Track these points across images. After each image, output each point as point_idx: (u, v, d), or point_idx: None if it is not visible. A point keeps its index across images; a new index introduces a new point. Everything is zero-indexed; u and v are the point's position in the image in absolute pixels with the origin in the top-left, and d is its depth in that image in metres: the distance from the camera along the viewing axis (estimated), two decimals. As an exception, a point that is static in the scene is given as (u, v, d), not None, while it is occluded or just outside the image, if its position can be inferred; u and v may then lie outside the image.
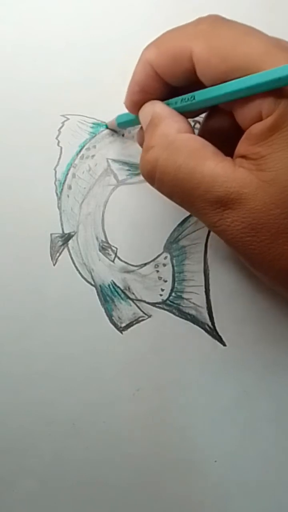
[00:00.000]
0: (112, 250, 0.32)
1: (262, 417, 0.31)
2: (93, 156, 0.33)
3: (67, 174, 0.32)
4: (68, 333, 0.31)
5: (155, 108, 0.26)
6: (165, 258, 0.32)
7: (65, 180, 0.32)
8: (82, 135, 0.32)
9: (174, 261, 0.32)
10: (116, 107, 0.32)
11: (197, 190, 0.23)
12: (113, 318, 0.31)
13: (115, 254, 0.32)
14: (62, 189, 0.32)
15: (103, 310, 0.31)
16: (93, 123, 0.32)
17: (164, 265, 0.32)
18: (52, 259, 0.32)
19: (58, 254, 0.32)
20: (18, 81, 0.33)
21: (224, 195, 0.23)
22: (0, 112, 0.32)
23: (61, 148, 0.32)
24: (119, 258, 0.32)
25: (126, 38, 0.33)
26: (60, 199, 0.32)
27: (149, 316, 0.31)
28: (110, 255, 0.32)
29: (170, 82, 0.26)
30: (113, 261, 0.32)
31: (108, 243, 0.32)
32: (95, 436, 0.31)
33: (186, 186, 0.24)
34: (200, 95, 0.25)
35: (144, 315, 0.31)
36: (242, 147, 0.24)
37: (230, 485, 0.31)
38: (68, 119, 0.32)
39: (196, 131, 0.31)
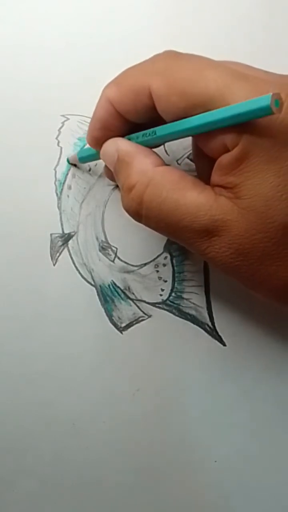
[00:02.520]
0: (112, 250, 0.32)
1: (262, 417, 0.31)
2: (93, 156, 0.32)
3: (67, 174, 0.32)
4: (68, 333, 0.31)
5: (120, 146, 0.27)
6: (165, 258, 0.32)
7: (65, 180, 0.32)
8: (82, 135, 0.32)
9: (174, 261, 0.32)
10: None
11: (183, 221, 0.24)
12: (113, 318, 0.31)
13: (115, 254, 0.32)
14: (62, 189, 0.32)
15: (103, 310, 0.31)
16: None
17: (164, 265, 0.32)
18: (52, 259, 0.32)
19: (58, 254, 0.32)
20: (18, 81, 0.33)
21: (210, 223, 0.23)
22: (0, 112, 0.32)
23: (61, 148, 0.32)
24: (119, 258, 0.32)
25: (126, 38, 0.33)
26: (60, 199, 0.32)
27: (149, 316, 0.32)
28: (110, 255, 0.32)
29: (131, 119, 0.27)
30: (113, 261, 0.32)
31: (108, 243, 0.32)
32: (95, 436, 0.31)
33: (172, 219, 0.24)
34: (161, 131, 0.25)
35: (144, 315, 0.31)
36: (215, 177, 0.24)
37: (230, 485, 0.31)
38: (68, 119, 0.32)
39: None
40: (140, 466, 0.31)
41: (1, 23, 0.33)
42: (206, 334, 0.31)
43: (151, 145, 0.27)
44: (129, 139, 0.27)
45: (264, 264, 0.23)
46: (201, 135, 0.24)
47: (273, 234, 0.23)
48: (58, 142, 0.32)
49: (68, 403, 0.31)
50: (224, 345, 0.31)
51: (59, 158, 0.32)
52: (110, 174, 0.29)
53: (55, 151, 0.32)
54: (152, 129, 0.26)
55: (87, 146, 0.30)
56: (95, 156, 0.29)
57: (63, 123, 0.32)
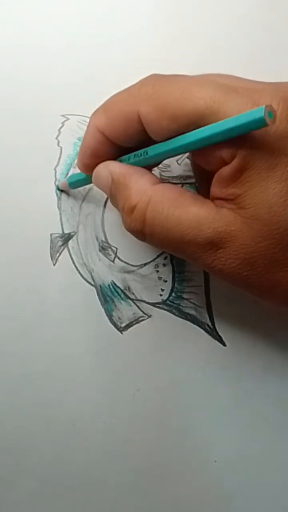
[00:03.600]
0: (112, 250, 0.32)
1: (262, 417, 0.31)
2: (93, 156, 0.32)
3: (67, 174, 0.32)
4: (68, 333, 0.31)
5: (113, 168, 0.27)
6: (165, 258, 0.32)
7: (65, 180, 0.32)
8: (82, 135, 0.32)
9: (174, 261, 0.32)
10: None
11: (187, 236, 0.24)
12: (113, 318, 0.31)
13: (115, 254, 0.32)
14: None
15: (103, 310, 0.31)
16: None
17: (164, 265, 0.32)
18: (52, 259, 0.32)
19: (58, 254, 0.32)
20: (18, 81, 0.33)
21: (214, 235, 0.23)
22: (0, 112, 0.32)
23: (61, 148, 0.32)
24: (119, 258, 0.32)
25: (126, 38, 0.33)
26: (60, 199, 0.32)
27: (149, 316, 0.32)
28: (110, 255, 0.32)
29: (122, 144, 0.27)
30: (113, 261, 0.32)
31: (108, 243, 0.32)
32: (95, 436, 0.31)
33: (176, 235, 0.24)
34: (153, 150, 0.25)
35: (144, 315, 0.32)
36: (215, 190, 0.24)
37: (230, 485, 0.31)
38: (68, 119, 0.32)
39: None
40: (140, 466, 0.31)
41: (1, 23, 0.33)
42: (206, 334, 0.31)
43: (143, 165, 0.27)
44: (121, 161, 0.27)
45: (272, 271, 0.23)
46: (197, 152, 0.24)
47: (279, 240, 0.23)
48: (58, 142, 0.32)
49: (68, 403, 0.31)
50: (224, 345, 0.31)
51: (59, 158, 0.32)
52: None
53: (55, 151, 0.32)
54: (143, 149, 0.26)
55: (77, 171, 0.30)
56: (86, 181, 0.29)
57: (63, 123, 0.32)
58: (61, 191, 0.32)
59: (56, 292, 0.31)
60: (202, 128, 0.23)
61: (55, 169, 0.32)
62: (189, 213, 0.24)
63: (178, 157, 0.32)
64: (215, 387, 0.31)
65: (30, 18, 0.33)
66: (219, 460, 0.31)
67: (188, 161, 0.32)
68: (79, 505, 0.30)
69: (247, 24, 0.34)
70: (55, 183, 0.32)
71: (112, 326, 0.31)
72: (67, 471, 0.30)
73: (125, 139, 0.26)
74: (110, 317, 0.31)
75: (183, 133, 0.24)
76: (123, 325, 0.31)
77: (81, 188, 0.32)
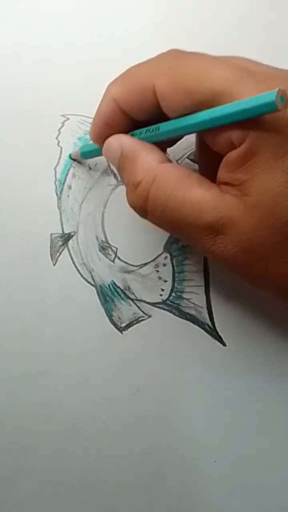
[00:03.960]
0: (112, 250, 0.32)
1: (262, 417, 0.31)
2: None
3: (67, 174, 0.32)
4: (68, 333, 0.31)
5: (124, 142, 0.26)
6: (165, 258, 0.32)
7: (65, 180, 0.32)
8: (82, 135, 0.32)
9: (174, 261, 0.32)
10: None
11: (188, 218, 0.24)
12: (113, 318, 0.31)
13: (115, 254, 0.32)
14: (62, 189, 0.32)
15: (103, 310, 0.31)
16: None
17: (164, 265, 0.32)
18: (52, 259, 0.32)
19: (58, 254, 0.32)
20: (18, 81, 0.33)
21: (215, 220, 0.23)
22: (0, 112, 0.32)
23: (61, 148, 0.32)
24: (119, 258, 0.32)
25: (126, 38, 0.33)
26: (60, 199, 0.32)
27: (149, 316, 0.31)
28: (110, 255, 0.32)
29: (135, 117, 0.27)
30: (113, 261, 0.32)
31: (108, 243, 0.32)
32: (95, 436, 0.31)
33: (177, 216, 0.24)
34: (165, 126, 0.25)
35: (144, 315, 0.31)
36: (222, 174, 0.24)
37: (230, 485, 0.31)
38: (68, 119, 0.32)
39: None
40: (140, 466, 0.31)
41: (1, 23, 0.33)
42: (206, 334, 0.31)
43: (154, 142, 0.26)
44: (133, 135, 0.27)
45: (270, 261, 0.23)
46: (207, 132, 0.24)
47: (280, 231, 0.23)
48: (58, 142, 0.32)
49: (68, 403, 0.31)
50: (224, 345, 0.31)
51: (59, 158, 0.32)
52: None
53: (55, 151, 0.32)
54: (155, 125, 0.26)
55: (90, 142, 0.29)
56: (98, 152, 0.29)
57: (63, 123, 0.32)
58: (74, 160, 0.32)
59: (56, 292, 0.31)
60: (214, 108, 0.23)
61: (55, 169, 0.32)
62: (193, 195, 0.24)
63: (178, 156, 0.32)
64: (215, 387, 0.31)
65: (30, 18, 0.33)
66: (219, 460, 0.31)
67: (188, 161, 0.32)
68: (79, 505, 0.30)
69: (247, 24, 0.34)
70: (55, 183, 0.32)
71: (112, 326, 0.31)
72: (67, 471, 0.30)
73: (139, 111, 0.26)
74: (110, 317, 0.31)
75: (195, 111, 0.24)
76: (123, 325, 0.31)
77: (81, 188, 0.32)
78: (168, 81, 0.24)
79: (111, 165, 0.33)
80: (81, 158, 0.32)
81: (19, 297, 0.31)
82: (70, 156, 0.32)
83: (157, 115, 0.26)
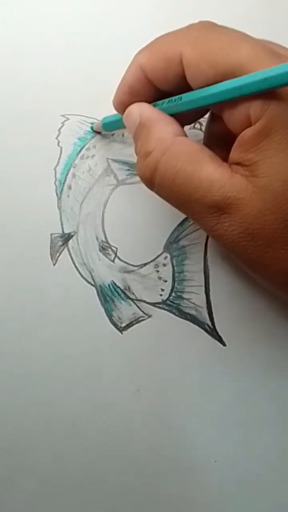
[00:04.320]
0: (112, 250, 0.32)
1: (262, 417, 0.31)
2: (93, 156, 0.33)
3: (67, 174, 0.32)
4: (68, 333, 0.31)
5: (144, 111, 0.26)
6: (165, 258, 0.32)
7: (65, 180, 0.32)
8: (82, 135, 0.32)
9: (174, 261, 0.32)
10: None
11: (195, 195, 0.24)
12: (113, 318, 0.31)
13: (115, 254, 0.32)
14: (62, 189, 0.32)
15: (103, 310, 0.31)
16: (93, 123, 0.32)
17: (164, 265, 0.32)
18: (52, 259, 0.32)
19: (58, 254, 0.32)
20: (18, 81, 0.33)
21: (221, 200, 0.23)
22: (0, 112, 0.32)
23: (61, 148, 0.32)
24: (119, 258, 0.32)
25: (126, 38, 0.33)
26: (60, 199, 0.32)
27: (149, 316, 0.31)
28: (110, 255, 0.32)
29: (160, 86, 0.26)
30: (113, 261, 0.32)
31: (108, 243, 0.32)
32: (95, 436, 0.31)
33: (184, 191, 0.24)
34: (187, 96, 0.25)
35: (144, 315, 0.31)
36: (235, 153, 0.24)
37: (230, 485, 0.31)
38: (68, 119, 0.32)
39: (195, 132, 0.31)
40: (140, 466, 0.31)
41: (1, 23, 0.33)
42: (206, 334, 0.31)
43: (176, 113, 0.26)
44: (155, 105, 0.27)
45: (273, 247, 0.23)
46: (226, 106, 0.24)
47: (286, 216, 0.22)
48: (58, 142, 0.32)
49: (68, 403, 0.31)
50: (224, 345, 0.31)
51: (59, 158, 0.32)
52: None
53: (55, 151, 0.32)
54: (178, 96, 0.26)
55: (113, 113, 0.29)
56: (119, 124, 0.29)
57: (63, 123, 0.32)
58: (96, 132, 0.32)
59: (56, 292, 0.31)
60: (236, 78, 0.23)
61: (55, 169, 0.32)
62: (203, 172, 0.24)
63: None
64: (215, 387, 0.31)
65: (30, 18, 0.33)
66: (219, 460, 0.31)
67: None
68: (79, 505, 0.30)
69: (247, 24, 0.34)
70: (55, 183, 0.32)
71: (112, 326, 0.31)
72: (67, 471, 0.30)
73: (164, 81, 0.26)
74: (110, 317, 0.31)
75: (218, 82, 0.24)
76: (123, 325, 0.31)
77: (81, 188, 0.32)
78: (195, 50, 0.24)
79: (111, 164, 0.33)
80: (103, 129, 0.31)
81: (19, 297, 0.31)
82: (92, 128, 0.32)
83: (181, 87, 0.26)
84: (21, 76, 0.33)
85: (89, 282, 0.32)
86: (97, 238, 0.32)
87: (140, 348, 0.31)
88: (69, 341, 0.31)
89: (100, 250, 0.32)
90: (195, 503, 0.31)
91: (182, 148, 0.24)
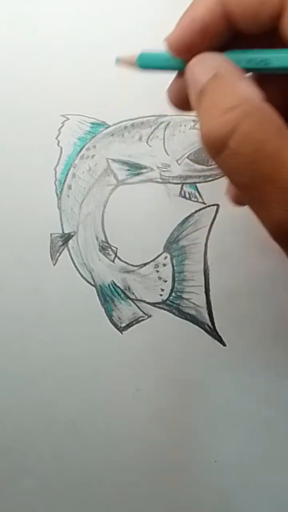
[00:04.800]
0: (112, 250, 0.32)
1: (262, 417, 0.31)
2: (93, 156, 0.33)
3: (67, 174, 0.32)
4: (68, 333, 0.31)
5: (223, 64, 0.21)
6: (165, 258, 0.32)
7: (65, 180, 0.32)
8: (82, 135, 0.32)
9: (174, 261, 0.32)
10: (116, 107, 0.33)
11: (277, 174, 0.19)
12: (113, 318, 0.31)
13: (115, 254, 0.32)
14: (62, 189, 0.32)
15: (103, 310, 0.31)
16: (93, 123, 0.32)
17: (164, 265, 0.32)
18: (52, 259, 0.32)
19: (58, 254, 0.32)
20: (18, 81, 0.33)
21: None
22: (0, 112, 0.32)
23: (61, 148, 0.32)
24: (119, 258, 0.32)
25: (126, 38, 0.33)
26: (60, 199, 0.32)
27: (149, 316, 0.31)
28: (110, 255, 0.32)
29: (242, 29, 0.21)
30: (113, 261, 0.32)
31: (108, 243, 0.32)
32: (95, 436, 0.31)
33: (264, 166, 0.19)
34: (279, 61, 0.20)
35: (144, 315, 0.31)
36: None
37: (230, 485, 0.31)
38: (68, 119, 0.32)
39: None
40: (140, 466, 0.31)
41: (1, 23, 0.33)
42: (206, 334, 0.31)
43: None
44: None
45: None
46: None
47: None
48: (58, 142, 0.32)
49: (68, 403, 0.31)
50: (224, 345, 0.31)
51: (59, 158, 0.32)
52: (176, 96, 0.23)
53: (55, 151, 0.32)
54: (263, 57, 0.20)
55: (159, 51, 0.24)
56: (166, 65, 0.23)
57: (63, 123, 0.32)
58: (121, 64, 0.25)
59: (56, 292, 0.31)
60: None
61: (55, 169, 0.32)
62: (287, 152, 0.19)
63: (178, 156, 0.32)
64: (215, 387, 0.31)
65: (30, 18, 0.33)
66: (219, 460, 0.31)
67: (188, 161, 0.32)
68: (79, 505, 0.30)
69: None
70: (55, 183, 0.32)
71: (112, 326, 0.31)
72: (67, 471, 0.30)
73: (251, 22, 0.21)
74: (110, 317, 0.31)
75: None
76: (123, 325, 0.31)
77: (81, 188, 0.32)
78: None
79: (111, 164, 0.33)
80: (137, 67, 0.24)
81: (19, 297, 0.31)
82: (117, 61, 0.25)
83: (271, 34, 0.21)
84: (21, 76, 0.33)
85: (89, 282, 0.32)
86: (97, 238, 0.32)
87: (140, 348, 0.31)
88: (69, 341, 0.31)
89: (100, 250, 0.32)
90: (195, 503, 0.31)
91: (272, 117, 0.20)
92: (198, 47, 0.22)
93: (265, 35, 0.20)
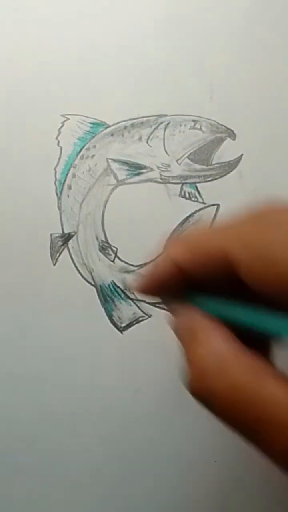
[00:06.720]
0: (112, 250, 0.32)
1: (262, 417, 0.31)
2: (93, 156, 0.33)
3: (67, 174, 0.32)
4: (68, 333, 0.31)
5: (197, 320, 0.23)
6: (165, 258, 0.32)
7: (65, 180, 0.32)
8: (82, 135, 0.32)
9: (174, 261, 0.32)
10: (116, 107, 0.33)
11: (261, 417, 0.21)
12: (113, 318, 0.31)
13: (115, 254, 0.32)
14: (62, 189, 0.32)
15: (103, 310, 0.31)
16: (93, 123, 0.32)
17: (164, 265, 0.32)
18: (52, 259, 0.32)
19: (58, 254, 0.32)
20: (18, 81, 0.33)
21: None
22: (0, 112, 0.32)
23: (61, 148, 0.32)
24: (119, 258, 0.32)
25: (126, 38, 0.33)
26: (60, 199, 0.32)
27: (149, 316, 0.31)
28: (110, 255, 0.32)
29: (196, 281, 0.23)
30: (113, 261, 0.32)
31: (108, 243, 0.32)
32: (95, 436, 0.31)
33: (246, 412, 0.21)
34: (273, 324, 0.21)
35: (144, 315, 0.31)
36: None
37: (230, 485, 0.31)
38: (68, 119, 0.32)
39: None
40: (140, 466, 0.31)
41: (1, 23, 0.33)
42: (206, 334, 0.31)
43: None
44: (201, 302, 0.24)
45: None
46: None
47: None
48: (58, 142, 0.32)
49: (68, 403, 0.31)
50: (224, 345, 0.31)
51: (59, 158, 0.32)
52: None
53: (55, 151, 0.32)
54: (235, 309, 0.22)
55: None
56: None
57: (63, 123, 0.32)
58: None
59: (56, 292, 0.31)
60: None
61: (55, 169, 0.32)
62: (266, 390, 0.20)
63: (178, 156, 0.32)
64: (215, 387, 0.31)
65: (30, 18, 0.33)
66: (219, 460, 0.31)
67: (188, 161, 0.32)
68: (79, 505, 0.30)
69: (247, 24, 0.34)
70: (55, 183, 0.32)
71: (112, 326, 0.31)
72: (67, 471, 0.30)
73: (203, 277, 0.23)
74: (110, 317, 0.31)
75: (283, 286, 0.20)
76: (123, 325, 0.31)
77: (81, 188, 0.32)
78: (247, 248, 0.21)
79: (111, 164, 0.33)
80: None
81: (19, 297, 0.31)
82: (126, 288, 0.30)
83: (225, 281, 0.22)
84: (21, 76, 0.33)
85: (89, 282, 0.32)
86: (97, 238, 0.32)
87: (140, 348, 0.31)
88: (69, 341, 0.31)
89: (100, 250, 0.32)
90: (195, 503, 0.31)
91: (242, 368, 0.21)
92: (161, 292, 0.24)
93: (230, 280, 0.22)
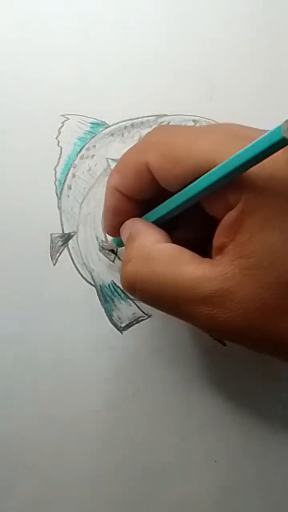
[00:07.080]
0: (112, 250, 0.32)
1: (262, 417, 0.31)
2: (93, 156, 0.33)
3: (67, 174, 0.32)
4: (68, 333, 0.31)
5: (134, 224, 0.27)
6: (165, 258, 0.32)
7: (65, 180, 0.32)
8: (82, 135, 0.32)
9: (174, 261, 0.32)
10: (116, 107, 0.33)
11: (182, 296, 0.23)
12: (113, 318, 0.31)
13: (115, 254, 0.32)
14: (62, 189, 0.32)
15: (103, 310, 0.31)
16: (93, 123, 0.32)
17: (164, 265, 0.32)
18: (52, 259, 0.32)
19: (58, 254, 0.32)
20: (18, 81, 0.33)
21: (209, 294, 0.22)
22: (0, 112, 0.32)
23: (61, 148, 0.32)
24: (119, 258, 0.32)
25: (126, 38, 0.33)
26: (60, 199, 0.32)
27: (149, 316, 0.32)
28: (110, 255, 0.32)
29: (140, 198, 0.27)
30: (113, 261, 0.32)
31: (108, 243, 0.32)
32: (95, 436, 0.31)
33: (169, 294, 0.24)
34: (165, 208, 0.25)
35: (144, 315, 0.32)
36: (219, 239, 0.23)
37: (230, 485, 0.31)
38: (68, 119, 0.32)
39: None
40: (140, 466, 0.31)
41: (1, 23, 0.33)
42: (206, 334, 0.31)
43: (166, 221, 0.26)
44: (146, 219, 0.27)
45: (274, 322, 0.22)
46: (204, 200, 0.24)
47: (282, 290, 0.22)
48: (58, 142, 0.32)
49: (68, 403, 0.31)
50: (224, 345, 0.31)
51: (59, 158, 0.32)
52: None
53: (55, 151, 0.32)
54: (158, 207, 0.26)
55: None
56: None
57: (63, 123, 0.32)
58: (110, 250, 0.32)
59: (56, 292, 0.31)
60: (206, 175, 0.22)
61: (55, 169, 0.32)
62: (185, 271, 0.23)
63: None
64: (215, 387, 0.31)
65: (30, 17, 0.33)
66: (219, 460, 0.31)
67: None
68: (79, 506, 0.30)
69: (247, 24, 0.34)
70: (55, 183, 0.32)
71: (112, 326, 0.31)
72: (67, 471, 0.30)
73: (141, 192, 0.26)
74: (110, 317, 0.31)
75: (189, 179, 0.24)
76: (123, 325, 0.31)
77: (81, 188, 0.32)
78: (158, 153, 0.24)
79: (111, 164, 0.33)
80: (115, 245, 0.31)
81: (19, 297, 0.31)
82: (101, 248, 0.32)
83: (159, 192, 0.26)
84: (21, 76, 0.33)
85: (89, 282, 0.32)
86: (97, 238, 0.32)
87: (140, 348, 0.31)
88: (69, 341, 0.31)
89: (100, 250, 0.32)
90: (195, 503, 0.31)
91: (161, 253, 0.24)
92: (122, 224, 0.28)
93: (164, 191, 0.25)
